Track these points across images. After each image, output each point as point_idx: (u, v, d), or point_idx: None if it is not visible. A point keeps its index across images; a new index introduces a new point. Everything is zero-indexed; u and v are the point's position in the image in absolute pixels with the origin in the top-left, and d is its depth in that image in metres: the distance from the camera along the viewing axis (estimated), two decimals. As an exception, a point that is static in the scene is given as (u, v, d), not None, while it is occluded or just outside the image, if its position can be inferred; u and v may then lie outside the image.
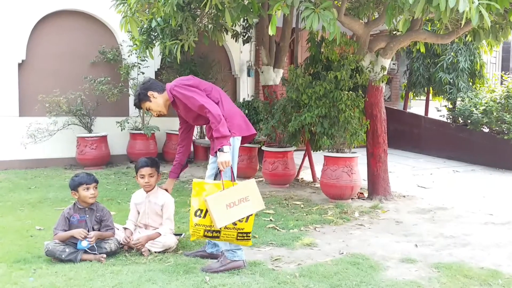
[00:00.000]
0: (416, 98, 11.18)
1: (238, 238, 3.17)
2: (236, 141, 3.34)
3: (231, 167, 3.21)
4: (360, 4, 5.73)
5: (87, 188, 3.52)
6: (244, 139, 3.45)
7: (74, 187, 3.54)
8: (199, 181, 3.17)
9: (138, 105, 3.53)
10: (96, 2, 7.77)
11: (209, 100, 3.28)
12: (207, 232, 3.12)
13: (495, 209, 5.39)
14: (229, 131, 3.21)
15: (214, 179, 3.34)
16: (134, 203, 3.83)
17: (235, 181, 3.21)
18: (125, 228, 3.74)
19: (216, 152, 3.22)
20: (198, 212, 3.10)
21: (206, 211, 3.07)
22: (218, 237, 3.15)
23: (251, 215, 3.16)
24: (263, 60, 7.56)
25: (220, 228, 3.05)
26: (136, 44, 6.41)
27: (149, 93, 3.43)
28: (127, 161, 8.17)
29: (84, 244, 3.39)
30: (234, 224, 3.10)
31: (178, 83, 3.35)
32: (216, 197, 3.04)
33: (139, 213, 3.81)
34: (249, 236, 3.20)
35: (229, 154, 3.15)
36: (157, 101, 3.46)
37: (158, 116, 3.61)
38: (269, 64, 7.48)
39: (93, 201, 3.57)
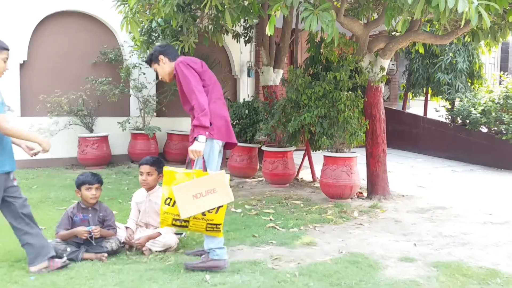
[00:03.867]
0: (415, 98, 11.20)
1: (208, 229, 3.17)
2: (216, 144, 3.34)
3: (203, 159, 3.22)
4: (360, 5, 5.75)
5: (89, 188, 3.55)
6: (225, 146, 3.49)
7: (78, 185, 3.57)
8: (170, 170, 3.19)
9: (149, 63, 3.62)
10: (97, 3, 7.78)
11: (202, 90, 3.30)
12: (175, 221, 3.14)
13: (493, 209, 5.41)
14: (210, 124, 3.23)
15: (186, 168, 3.33)
16: (135, 202, 3.86)
17: (206, 171, 3.22)
18: (126, 227, 3.77)
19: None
20: (168, 201, 3.12)
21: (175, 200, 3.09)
22: (186, 226, 3.17)
23: (221, 206, 3.15)
24: (263, 61, 7.58)
25: (189, 218, 3.08)
26: (137, 45, 6.45)
27: (160, 57, 3.50)
28: (128, 161, 8.19)
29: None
30: (203, 214, 3.11)
31: (184, 60, 3.38)
32: (183, 187, 3.06)
33: (140, 211, 3.84)
34: (219, 228, 3.19)
35: (202, 144, 3.17)
36: (164, 67, 3.52)
37: (162, 80, 3.66)
38: (269, 64, 7.50)
39: (94, 202, 3.58)
